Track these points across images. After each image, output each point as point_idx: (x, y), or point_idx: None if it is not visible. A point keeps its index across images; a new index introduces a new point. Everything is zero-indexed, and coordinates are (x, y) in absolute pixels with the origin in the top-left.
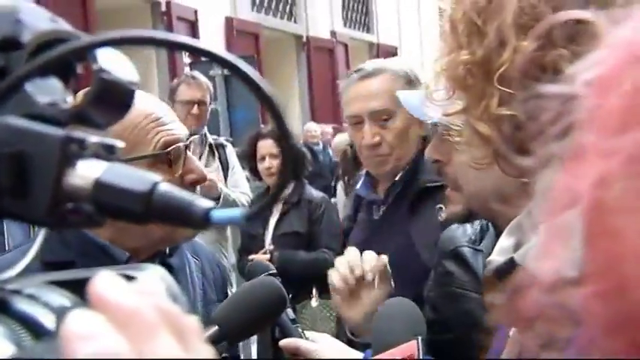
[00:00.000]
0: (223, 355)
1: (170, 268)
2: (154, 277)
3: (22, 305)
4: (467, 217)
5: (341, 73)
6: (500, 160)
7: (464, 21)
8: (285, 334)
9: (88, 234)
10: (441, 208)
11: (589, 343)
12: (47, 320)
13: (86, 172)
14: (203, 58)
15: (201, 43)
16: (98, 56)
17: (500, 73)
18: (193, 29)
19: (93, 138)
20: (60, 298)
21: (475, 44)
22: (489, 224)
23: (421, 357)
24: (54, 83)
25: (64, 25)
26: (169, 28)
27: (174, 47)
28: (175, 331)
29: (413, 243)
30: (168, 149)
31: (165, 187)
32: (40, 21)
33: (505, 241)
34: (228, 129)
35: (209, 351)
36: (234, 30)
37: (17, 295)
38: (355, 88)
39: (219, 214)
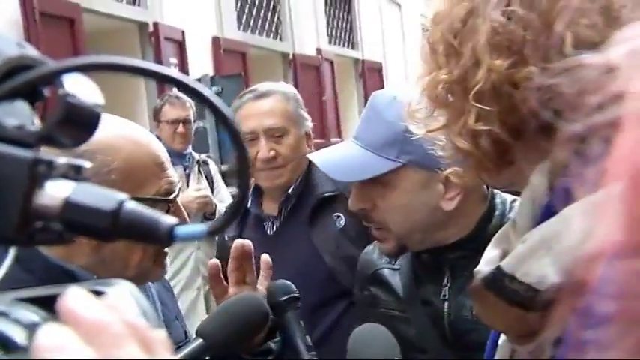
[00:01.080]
0: None
1: None
2: (123, 291)
3: None
4: (400, 251)
5: (327, 89)
6: (484, 173)
7: (442, 42)
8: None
9: (53, 260)
10: (338, 216)
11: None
12: (18, 336)
13: (55, 192)
14: (192, 77)
15: (159, 67)
16: (64, 81)
17: (476, 90)
18: (181, 49)
19: (61, 159)
20: (30, 314)
21: (452, 64)
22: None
23: None
24: (22, 107)
25: (30, 51)
26: (157, 48)
27: (134, 72)
28: (142, 343)
29: (316, 249)
30: (171, 196)
31: (132, 205)
32: (7, 47)
33: (491, 252)
34: (216, 146)
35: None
36: (221, 49)
37: None
38: (250, 107)
39: (183, 230)
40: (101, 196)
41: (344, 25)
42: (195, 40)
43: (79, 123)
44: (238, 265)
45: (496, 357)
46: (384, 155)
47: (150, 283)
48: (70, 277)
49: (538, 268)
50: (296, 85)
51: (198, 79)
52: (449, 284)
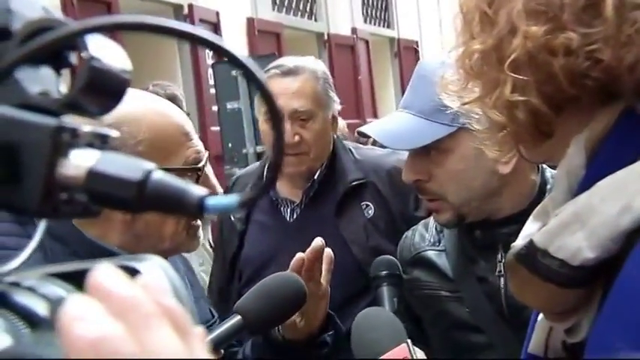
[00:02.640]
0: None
1: None
2: (155, 268)
3: (21, 297)
4: (458, 222)
5: (363, 69)
6: (522, 145)
7: (475, 11)
8: None
9: (93, 241)
10: (367, 205)
11: None
12: (43, 310)
13: (79, 161)
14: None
15: (190, 28)
16: (89, 44)
17: (512, 59)
18: (216, 30)
19: (86, 127)
20: (59, 289)
21: (487, 33)
22: (443, 228)
23: (415, 357)
24: (46, 72)
25: (56, 15)
26: None
27: (164, 32)
28: (176, 327)
29: (343, 240)
30: (199, 165)
31: (159, 175)
32: (31, 10)
33: (530, 227)
34: (251, 127)
35: (207, 353)
36: (255, 30)
37: (16, 288)
38: (276, 84)
39: (213, 201)
40: (127, 166)
41: (379, 3)
42: (229, 21)
43: (105, 89)
44: (313, 265)
45: (534, 335)
46: (437, 121)
47: (179, 264)
48: (105, 254)
49: (571, 243)
50: (331, 65)
51: None
52: (503, 260)
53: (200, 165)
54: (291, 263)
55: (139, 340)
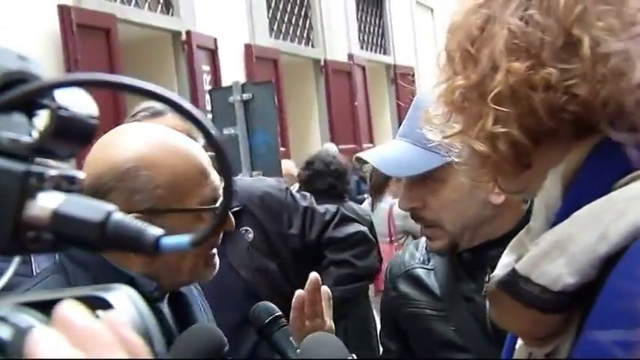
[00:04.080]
0: None
1: (181, 294)
2: (123, 298)
3: None
4: (451, 249)
5: (359, 95)
6: (501, 176)
7: (458, 50)
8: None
9: (114, 266)
10: (246, 230)
11: None
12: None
13: (45, 203)
14: (224, 85)
15: (143, 84)
16: (56, 95)
17: (495, 93)
18: (213, 57)
19: (52, 171)
20: (29, 318)
21: (469, 70)
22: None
23: None
24: (18, 119)
25: (31, 65)
26: (190, 56)
27: (120, 88)
28: (132, 355)
29: (231, 265)
30: (216, 204)
31: (118, 217)
32: (8, 61)
33: (506, 259)
34: (247, 152)
35: None
36: (253, 56)
37: None
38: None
39: (167, 240)
40: (89, 207)
41: (375, 30)
42: (227, 48)
43: (71, 135)
44: (315, 299)
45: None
46: (434, 150)
47: (194, 290)
48: (132, 284)
49: (552, 270)
50: (328, 91)
51: (229, 87)
52: (487, 289)
53: (217, 203)
54: (293, 302)
55: None
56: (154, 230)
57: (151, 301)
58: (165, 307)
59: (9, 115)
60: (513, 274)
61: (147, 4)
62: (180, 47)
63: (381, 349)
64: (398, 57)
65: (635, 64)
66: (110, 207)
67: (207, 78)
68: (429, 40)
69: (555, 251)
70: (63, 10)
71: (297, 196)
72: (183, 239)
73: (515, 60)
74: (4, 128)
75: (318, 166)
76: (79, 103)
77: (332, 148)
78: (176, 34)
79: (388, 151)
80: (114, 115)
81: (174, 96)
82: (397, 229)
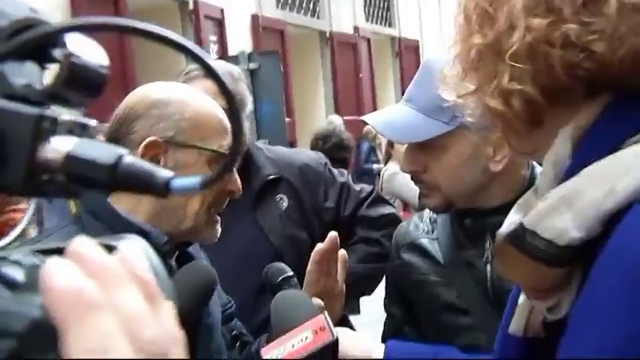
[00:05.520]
0: (234, 333)
1: (188, 254)
2: (134, 245)
3: (6, 269)
4: (446, 209)
5: (364, 67)
6: (513, 135)
7: (476, 9)
8: None
9: (128, 220)
10: (281, 198)
11: None
12: (22, 277)
13: (58, 146)
14: (230, 54)
15: (157, 28)
16: (67, 42)
17: (513, 51)
18: (220, 27)
19: (65, 116)
20: (35, 260)
21: (487, 28)
22: (437, 218)
23: (331, 328)
24: (31, 67)
25: (41, 15)
26: (197, 26)
27: (130, 32)
28: (144, 292)
29: (261, 230)
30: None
31: (130, 159)
32: (18, 11)
33: (513, 216)
34: (254, 122)
35: (172, 315)
36: (259, 27)
37: (3, 261)
38: (196, 84)
39: (178, 182)
40: (101, 150)
41: (381, 3)
42: (234, 18)
43: (83, 82)
44: (330, 256)
45: (515, 316)
46: (437, 118)
47: (201, 253)
48: (144, 234)
49: (559, 224)
50: (333, 63)
51: (235, 56)
52: (491, 247)
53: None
54: (312, 254)
55: (108, 295)
56: (164, 172)
57: (162, 256)
58: (173, 263)
59: (22, 63)
60: (521, 227)
61: None
62: (188, 17)
63: None
64: (403, 30)
65: None
66: (122, 150)
67: (214, 48)
68: (434, 14)
69: (562, 206)
70: None
71: (335, 171)
72: (192, 180)
73: (534, 16)
74: (18, 75)
75: (336, 140)
76: (91, 52)
77: (337, 119)
78: (183, 4)
79: (392, 116)
80: (121, 65)
81: (188, 42)
82: (384, 192)
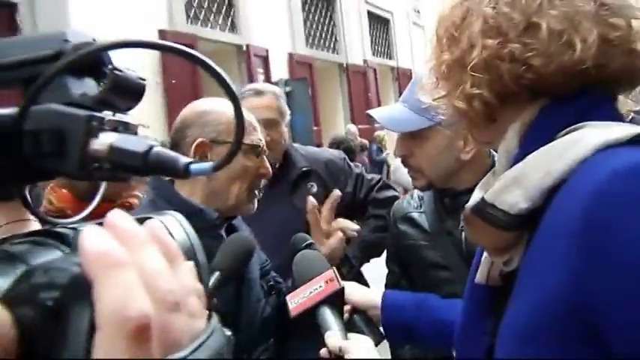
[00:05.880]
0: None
1: (234, 226)
2: (172, 219)
3: (74, 235)
4: (429, 188)
5: (372, 89)
6: (474, 128)
7: (445, 34)
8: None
9: (190, 202)
10: (312, 185)
11: None
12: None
13: (104, 140)
14: (272, 81)
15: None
16: (113, 59)
17: (473, 64)
18: (266, 62)
19: (111, 117)
20: None
21: (453, 48)
22: (424, 196)
23: (339, 280)
24: (88, 82)
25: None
26: (248, 62)
27: (150, 47)
28: (166, 254)
29: (296, 209)
30: (260, 146)
31: (158, 149)
32: (81, 38)
33: (477, 193)
34: (289, 133)
35: (191, 272)
36: (294, 62)
37: (74, 231)
38: (249, 101)
39: (195, 166)
40: (136, 142)
41: (383, 42)
42: (276, 56)
43: (126, 91)
44: (329, 218)
45: (479, 269)
46: (422, 115)
47: (244, 225)
48: (200, 212)
49: (511, 198)
50: (349, 87)
51: (276, 82)
52: (463, 214)
53: (260, 146)
54: (308, 215)
55: (132, 255)
56: (184, 158)
57: (214, 227)
58: (223, 233)
59: (82, 79)
60: (482, 202)
61: (218, 26)
62: (242, 56)
63: None
64: (400, 61)
65: (576, 45)
66: (152, 141)
67: (261, 77)
68: (422, 49)
69: (513, 184)
70: (161, 34)
71: (352, 164)
72: (207, 165)
73: (488, 38)
74: (77, 88)
75: (347, 143)
76: (132, 69)
77: (353, 127)
78: (239, 47)
79: (390, 111)
80: (193, 86)
81: (199, 55)
82: (391, 180)
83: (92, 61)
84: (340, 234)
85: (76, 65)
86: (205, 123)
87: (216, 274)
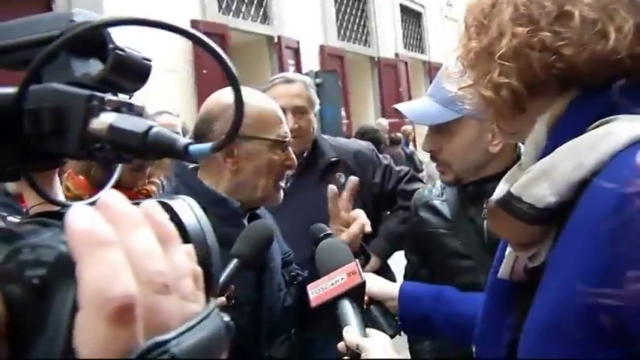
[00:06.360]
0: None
1: (257, 215)
2: (183, 203)
3: None
4: (456, 182)
5: (403, 83)
6: (501, 118)
7: (474, 22)
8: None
9: (213, 190)
10: (340, 175)
11: None
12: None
13: (104, 119)
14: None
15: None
16: (114, 38)
17: (502, 52)
18: (297, 54)
19: (111, 97)
20: None
21: (482, 35)
22: (446, 186)
23: (361, 273)
24: (93, 63)
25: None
26: (280, 54)
27: (160, 27)
28: (159, 236)
29: (325, 198)
30: (286, 140)
31: (158, 129)
32: (89, 18)
33: (502, 186)
34: (319, 124)
35: (187, 254)
36: (325, 54)
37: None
38: (281, 88)
39: (194, 147)
40: (136, 122)
41: (415, 35)
42: (307, 48)
43: (129, 71)
44: (347, 207)
45: (503, 264)
46: (449, 108)
47: (267, 213)
48: (222, 201)
49: (539, 191)
50: (380, 80)
51: (307, 74)
52: (487, 206)
53: (286, 140)
54: (330, 206)
55: (120, 236)
56: (184, 139)
57: (236, 216)
58: (245, 222)
59: (87, 59)
60: (509, 194)
61: (250, 17)
62: (273, 47)
63: None
64: (432, 56)
65: (610, 35)
66: (151, 122)
67: (292, 69)
68: (455, 43)
69: (541, 177)
70: (193, 23)
71: (381, 156)
72: (205, 146)
73: (518, 26)
74: (81, 68)
75: (373, 134)
76: (136, 49)
77: (384, 121)
78: (270, 38)
79: (417, 105)
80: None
81: (195, 32)
82: (424, 173)
83: (95, 40)
84: (360, 223)
85: (74, 43)
86: (230, 118)
87: (235, 261)
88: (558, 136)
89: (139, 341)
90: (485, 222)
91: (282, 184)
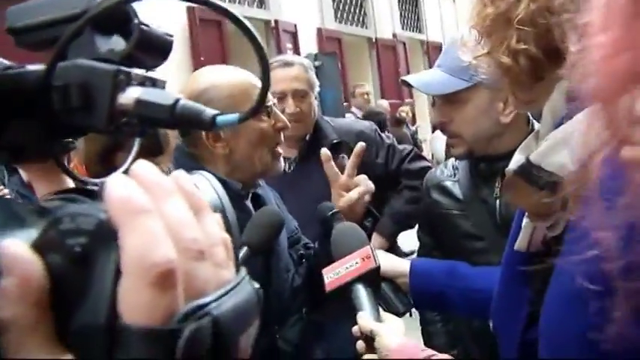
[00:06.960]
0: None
1: (259, 196)
2: (201, 178)
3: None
4: (467, 156)
5: (401, 64)
6: (518, 87)
7: None
8: (388, 307)
9: (213, 172)
10: (343, 157)
11: None
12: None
13: (131, 94)
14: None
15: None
16: (139, 14)
17: (520, 17)
18: (294, 37)
19: (138, 71)
20: None
21: (498, 1)
22: (458, 166)
23: (375, 257)
24: (116, 39)
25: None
26: (277, 38)
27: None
28: (191, 205)
29: (328, 180)
30: (268, 104)
31: (184, 101)
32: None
33: (517, 157)
34: (319, 106)
35: (216, 223)
36: (323, 37)
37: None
38: (280, 71)
39: (221, 118)
40: (162, 95)
41: (413, 15)
42: (304, 31)
43: (151, 46)
44: (351, 173)
45: (520, 236)
46: (458, 77)
47: (269, 192)
48: (224, 184)
49: (559, 159)
50: (378, 62)
51: (305, 57)
52: (500, 186)
53: (268, 104)
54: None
55: (156, 204)
56: (211, 110)
57: (239, 197)
58: (249, 203)
59: (110, 36)
60: (528, 163)
61: (246, 2)
62: (271, 31)
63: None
64: (430, 35)
65: None
66: (178, 95)
67: (290, 53)
68: (453, 22)
69: (561, 145)
70: (190, 9)
71: (384, 135)
72: (232, 116)
73: None
74: (105, 45)
75: (377, 116)
76: (159, 25)
77: (384, 103)
78: (267, 22)
79: (426, 76)
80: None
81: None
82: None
83: (119, 17)
84: (361, 188)
85: (99, 20)
86: (209, 100)
87: (245, 249)
88: (577, 103)
89: (180, 305)
90: (497, 202)
91: (280, 150)
